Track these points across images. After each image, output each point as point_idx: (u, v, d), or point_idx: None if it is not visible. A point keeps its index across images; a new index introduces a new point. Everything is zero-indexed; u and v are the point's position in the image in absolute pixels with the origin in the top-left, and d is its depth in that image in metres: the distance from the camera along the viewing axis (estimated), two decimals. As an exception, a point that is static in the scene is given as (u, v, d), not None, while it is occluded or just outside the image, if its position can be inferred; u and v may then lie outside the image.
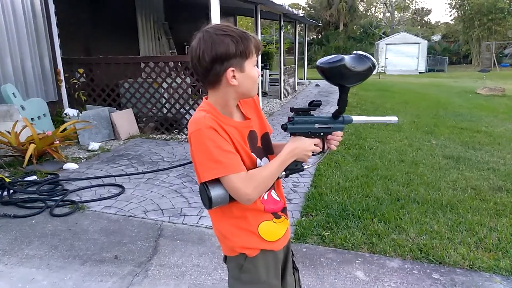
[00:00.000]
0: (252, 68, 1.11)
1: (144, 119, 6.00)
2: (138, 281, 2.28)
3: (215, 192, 1.06)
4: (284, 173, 1.15)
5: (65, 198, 3.38)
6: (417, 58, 25.38)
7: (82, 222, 3.03)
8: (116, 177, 3.97)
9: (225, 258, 1.25)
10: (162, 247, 2.65)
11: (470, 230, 2.87)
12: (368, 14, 41.44)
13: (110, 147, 5.17)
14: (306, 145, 1.16)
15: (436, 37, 35.96)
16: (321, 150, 1.21)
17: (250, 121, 1.19)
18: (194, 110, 5.65)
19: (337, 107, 1.19)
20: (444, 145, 5.50)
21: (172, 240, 2.76)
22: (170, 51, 9.06)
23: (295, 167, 1.16)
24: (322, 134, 1.19)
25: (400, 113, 8.13)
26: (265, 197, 1.19)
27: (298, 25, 14.14)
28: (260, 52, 1.12)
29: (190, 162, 4.38)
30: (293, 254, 1.35)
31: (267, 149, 1.24)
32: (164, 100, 5.81)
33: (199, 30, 1.09)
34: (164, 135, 5.77)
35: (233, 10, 12.10)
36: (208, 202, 1.07)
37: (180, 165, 4.30)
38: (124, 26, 7.90)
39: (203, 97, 1.17)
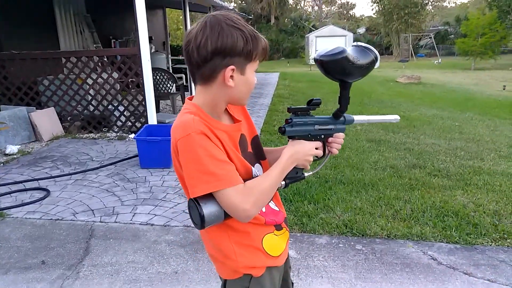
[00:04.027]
0: (252, 74, 0.98)
1: (68, 118, 5.63)
2: (69, 284, 2.19)
3: (208, 209, 0.91)
4: (283, 182, 1.02)
5: (-20, 207, 3.09)
6: (344, 50, 26.72)
7: (2, 230, 2.80)
8: (39, 181, 3.71)
9: (224, 283, 1.09)
10: (94, 248, 2.56)
11: (388, 204, 3.18)
12: (297, 7, 42.78)
13: (31, 149, 4.80)
14: (307, 149, 1.04)
15: (361, 30, 38.32)
16: (323, 154, 1.10)
17: (240, 124, 1.05)
18: (124, 106, 5.45)
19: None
20: (368, 130, 5.94)
21: (104, 239, 2.67)
22: (95, 45, 8.55)
23: (295, 175, 1.04)
24: (323, 136, 1.08)
25: (329, 102, 8.57)
26: (263, 209, 1.07)
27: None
28: (265, 58, 0.99)
29: (121, 160, 4.24)
30: (290, 267, 1.26)
31: (258, 154, 1.11)
32: (90, 97, 5.51)
33: (206, 16, 0.94)
34: (92, 133, 5.47)
35: (161, 2, 11.74)
36: (200, 221, 0.91)
37: (111, 164, 4.14)
38: (40, 18, 7.28)
39: (186, 98, 1.03)
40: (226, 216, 0.94)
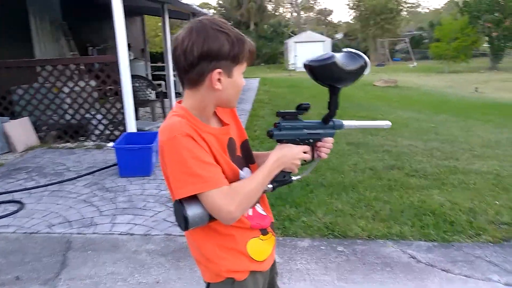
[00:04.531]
0: (240, 76, 1.00)
1: (44, 128, 5.49)
2: (45, 299, 2.12)
3: (192, 211, 0.91)
4: (270, 185, 1.03)
5: (-51, 222, 2.96)
6: (323, 55, 27.11)
7: (-27, 246, 2.69)
8: (13, 193, 3.58)
9: (207, 287, 1.09)
10: (72, 260, 2.49)
11: (368, 205, 3.23)
12: (276, 14, 43.21)
13: (4, 161, 4.64)
14: (294, 153, 1.05)
15: (339, 35, 39.04)
16: (311, 158, 1.11)
17: (229, 127, 1.06)
18: (102, 114, 5.36)
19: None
20: (347, 132, 6.02)
21: (82, 251, 2.60)
22: (71, 53, 8.39)
23: (283, 179, 1.05)
24: (311, 141, 1.09)
25: (309, 106, 8.70)
26: (250, 213, 1.07)
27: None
28: (251, 61, 1.01)
29: (99, 170, 4.15)
30: (276, 273, 1.25)
31: (247, 158, 1.11)
32: (66, 106, 5.39)
33: (192, 21, 0.96)
34: (68, 143, 5.34)
35: (139, 9, 11.65)
36: (183, 223, 0.92)
37: (89, 173, 4.05)
38: (13, 26, 7.10)
39: (176, 101, 1.05)
40: (211, 218, 0.94)
